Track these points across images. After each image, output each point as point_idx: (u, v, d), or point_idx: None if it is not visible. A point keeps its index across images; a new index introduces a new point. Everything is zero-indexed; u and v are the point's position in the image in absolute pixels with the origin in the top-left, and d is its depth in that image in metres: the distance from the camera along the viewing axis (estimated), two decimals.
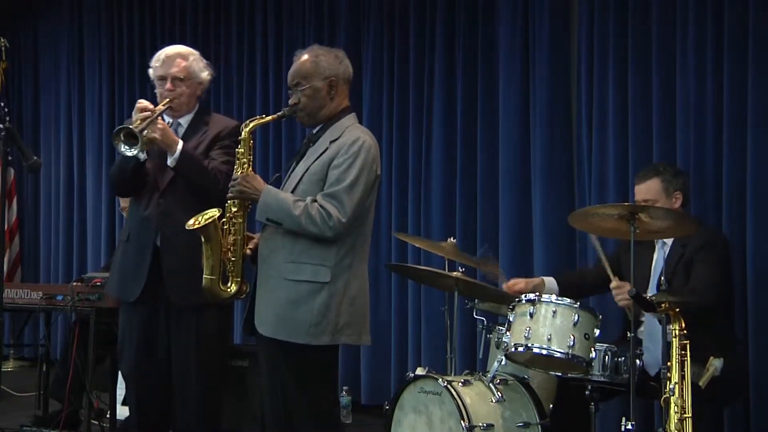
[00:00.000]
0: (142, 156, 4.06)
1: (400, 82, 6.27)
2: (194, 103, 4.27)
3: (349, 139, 3.48)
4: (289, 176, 3.60)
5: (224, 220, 3.60)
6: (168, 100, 4.15)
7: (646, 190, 4.23)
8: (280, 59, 6.71)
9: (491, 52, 5.86)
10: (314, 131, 3.62)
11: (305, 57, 3.59)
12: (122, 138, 3.90)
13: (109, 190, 7.79)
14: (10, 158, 7.82)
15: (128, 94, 7.82)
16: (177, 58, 4.20)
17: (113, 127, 7.78)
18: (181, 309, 4.08)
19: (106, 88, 8.01)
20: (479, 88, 5.91)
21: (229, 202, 3.59)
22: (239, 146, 3.59)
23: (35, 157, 3.98)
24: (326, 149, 3.50)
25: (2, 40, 7.59)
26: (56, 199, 8.40)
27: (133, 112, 4.02)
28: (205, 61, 4.32)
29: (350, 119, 3.61)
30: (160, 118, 4.02)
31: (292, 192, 3.49)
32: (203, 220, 3.60)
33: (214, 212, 3.61)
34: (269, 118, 3.66)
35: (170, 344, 4.13)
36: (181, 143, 4.04)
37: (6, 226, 8.18)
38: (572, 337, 3.82)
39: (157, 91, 4.24)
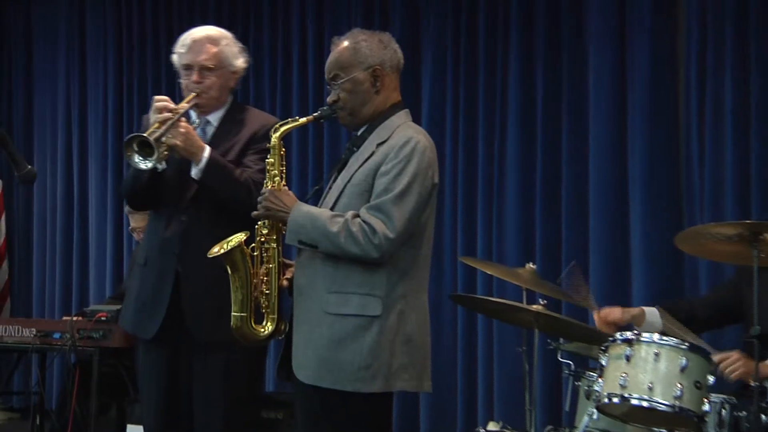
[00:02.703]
0: (160, 166, 4.06)
1: (467, 76, 6.28)
2: (226, 96, 4.26)
3: (400, 141, 3.47)
4: (330, 189, 3.61)
5: (254, 245, 3.62)
6: (194, 95, 4.14)
7: None
8: (321, 49, 6.77)
9: (578, 39, 5.86)
10: (358, 134, 3.63)
11: (344, 44, 3.60)
12: (136, 148, 3.87)
13: (117, 205, 7.84)
14: None
15: (139, 89, 7.88)
16: (206, 43, 4.19)
17: (120, 129, 7.89)
18: (206, 349, 4.10)
19: (113, 82, 8.05)
20: (564, 83, 5.91)
21: (258, 223, 3.61)
22: (269, 155, 3.61)
23: (29, 166, 4.02)
24: (372, 154, 3.50)
25: None
26: (52, 217, 8.44)
27: (150, 112, 4.01)
28: (239, 44, 4.29)
29: (401, 117, 3.61)
30: (183, 118, 4.01)
31: (332, 208, 3.50)
32: (228, 245, 3.61)
33: (240, 236, 3.63)
34: (303, 120, 3.67)
35: (192, 391, 4.14)
36: (207, 150, 4.02)
37: None
38: (680, 386, 3.79)
39: (182, 81, 4.23)
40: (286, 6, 7.15)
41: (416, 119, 3.70)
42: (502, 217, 6.07)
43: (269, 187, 3.57)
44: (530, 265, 4.63)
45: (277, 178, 3.58)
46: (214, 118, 4.23)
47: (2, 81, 8.78)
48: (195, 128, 4.13)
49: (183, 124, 3.99)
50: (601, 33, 5.71)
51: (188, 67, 4.18)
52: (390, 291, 3.42)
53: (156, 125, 3.93)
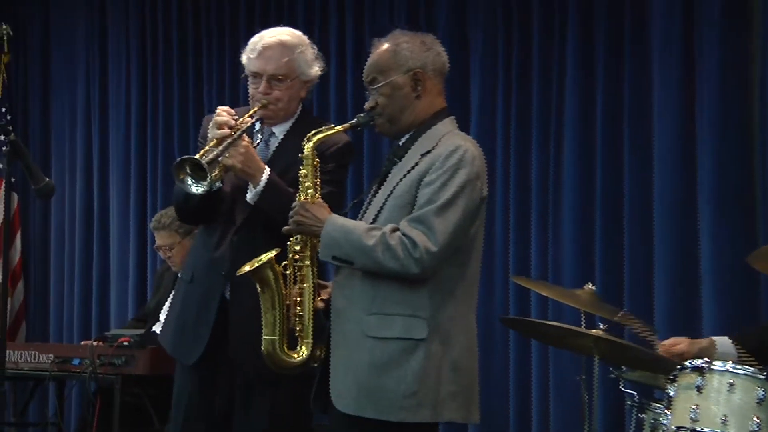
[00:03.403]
0: (216, 186, 4.03)
1: (520, 81, 6.27)
2: (296, 106, 4.23)
3: (446, 149, 3.48)
4: (370, 203, 3.63)
5: (286, 262, 3.63)
6: (259, 106, 4.11)
7: None
8: (361, 52, 6.76)
9: (642, 40, 5.84)
10: (400, 143, 3.64)
11: (384, 46, 3.63)
12: (188, 170, 3.85)
13: (140, 221, 7.86)
14: (13, 180, 7.95)
15: (165, 94, 7.89)
16: (278, 51, 4.14)
17: (144, 138, 7.92)
18: (250, 382, 4.09)
19: (136, 86, 8.06)
20: (626, 87, 5.89)
21: (291, 239, 3.62)
22: (301, 167, 3.63)
23: (46, 179, 4.06)
24: (416, 164, 3.51)
25: (4, 26, 7.77)
26: (71, 233, 8.46)
27: (209, 127, 4.01)
28: (315, 50, 4.28)
29: (447, 125, 3.62)
30: (245, 134, 3.98)
31: (373, 222, 3.51)
32: (257, 263, 3.63)
33: (271, 253, 3.65)
34: (339, 128, 3.70)
35: (231, 425, 4.13)
36: (267, 173, 3.99)
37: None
38: (756, 419, 3.75)
39: (250, 88, 4.19)
40: (323, 5, 7.16)
41: (464, 127, 3.70)
42: (558, 234, 6.05)
43: (301, 199, 3.58)
44: (589, 286, 4.61)
45: (311, 191, 3.61)
46: (280, 130, 4.21)
47: (17, 87, 8.74)
48: (257, 143, 4.12)
49: (243, 142, 3.96)
50: (667, 34, 5.68)
51: (257, 75, 4.15)
52: (435, 312, 3.43)
53: (213, 142, 3.93)
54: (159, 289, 6.35)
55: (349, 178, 6.86)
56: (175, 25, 7.88)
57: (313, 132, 3.65)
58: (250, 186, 4.01)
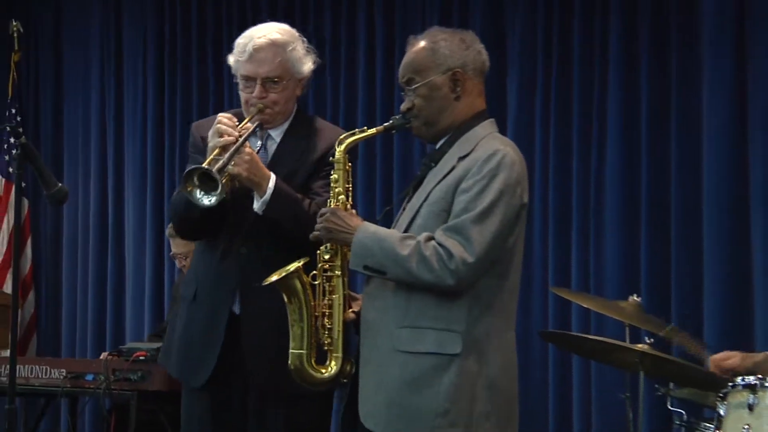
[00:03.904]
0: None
1: (560, 79, 6.28)
2: (292, 106, 4.23)
3: (484, 154, 3.47)
4: (404, 209, 3.62)
5: (315, 272, 3.64)
6: (256, 111, 4.09)
7: None
8: (391, 49, 6.77)
9: (690, 36, 5.84)
10: (436, 147, 3.64)
11: (421, 44, 3.62)
12: (196, 182, 3.83)
13: (157, 228, 7.88)
14: (24, 184, 7.98)
15: (182, 98, 7.92)
16: (270, 52, 4.11)
17: (162, 142, 7.95)
18: (265, 401, 4.09)
19: (153, 88, 8.09)
20: (673, 85, 5.90)
21: (320, 248, 3.63)
22: (332, 171, 3.64)
23: (59, 184, 4.07)
24: (452, 169, 3.50)
25: (14, 23, 7.80)
26: (84, 241, 8.48)
27: (209, 136, 4.00)
28: (306, 44, 4.23)
29: (486, 127, 3.62)
30: (246, 142, 3.97)
31: (406, 230, 3.50)
32: (284, 272, 3.64)
33: (298, 262, 3.65)
34: (372, 131, 3.69)
35: None
36: (273, 180, 3.98)
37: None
38: None
39: (241, 93, 4.18)
40: (353, 1, 7.18)
41: (501, 130, 3.69)
42: (600, 242, 6.05)
43: (332, 205, 3.59)
44: (634, 298, 4.60)
45: (342, 197, 3.61)
46: (277, 132, 4.21)
47: (28, 87, 8.78)
48: (258, 149, 4.11)
49: (247, 149, 3.96)
50: (717, 28, 5.68)
51: (249, 79, 4.13)
52: (471, 326, 3.42)
53: (216, 151, 3.91)
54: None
55: (379, 185, 6.91)
56: (195, 21, 7.90)
57: (345, 135, 3.65)
58: (256, 195, 3.99)
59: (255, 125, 4.06)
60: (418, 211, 3.51)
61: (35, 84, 8.81)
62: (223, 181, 3.82)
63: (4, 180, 8.27)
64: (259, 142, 4.16)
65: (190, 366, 4.17)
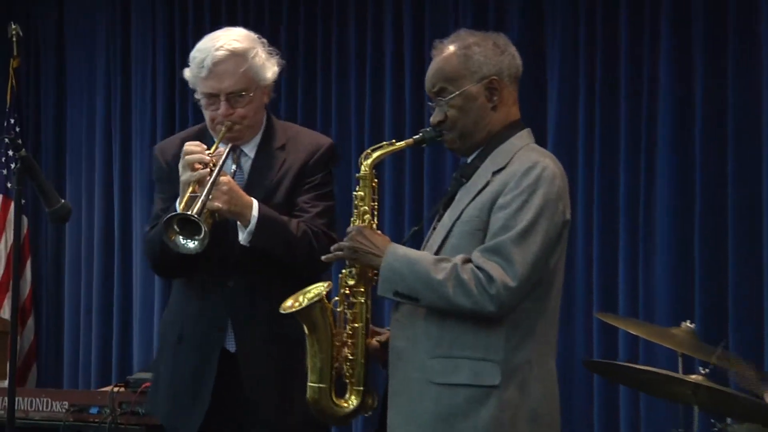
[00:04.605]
0: None
1: (605, 87, 6.27)
2: (262, 116, 4.22)
3: (522, 167, 3.47)
4: (434, 229, 3.62)
5: (337, 298, 3.63)
6: (225, 130, 4.05)
7: None
8: (421, 55, 6.79)
9: (748, 38, 5.84)
10: (468, 160, 3.64)
11: (450, 49, 3.60)
12: (176, 228, 3.82)
13: None
14: (23, 201, 8.00)
15: (194, 107, 7.68)
16: (231, 62, 4.07)
17: None
18: None
19: (163, 96, 8.08)
20: (730, 92, 5.89)
21: (343, 271, 3.62)
22: (357, 188, 3.63)
23: (62, 200, 4.08)
24: (487, 184, 3.50)
25: (13, 26, 7.82)
26: (88, 263, 8.46)
27: (180, 169, 3.93)
28: (266, 46, 4.20)
29: (523, 138, 3.62)
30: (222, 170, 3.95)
31: (438, 252, 3.50)
32: (305, 299, 3.63)
33: (320, 287, 3.65)
34: (401, 144, 3.69)
35: None
36: (256, 207, 3.97)
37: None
38: None
39: (204, 111, 4.15)
40: (378, 1, 7.19)
41: (540, 141, 3.69)
42: (650, 264, 6.03)
43: (357, 224, 3.59)
44: (687, 324, 4.59)
45: (367, 216, 3.61)
46: (250, 147, 4.20)
47: (28, 95, 8.74)
48: (233, 171, 4.09)
49: (223, 179, 3.93)
50: None
51: (211, 96, 4.10)
52: (510, 355, 3.42)
53: (191, 189, 3.88)
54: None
55: (408, 203, 6.91)
56: (208, 20, 7.88)
57: (372, 148, 3.64)
58: (240, 226, 3.98)
59: (227, 148, 4.04)
60: (450, 231, 3.50)
61: (36, 92, 8.77)
62: (207, 223, 3.81)
63: (2, 196, 8.26)
64: (234, 166, 4.14)
65: (179, 413, 4.16)
